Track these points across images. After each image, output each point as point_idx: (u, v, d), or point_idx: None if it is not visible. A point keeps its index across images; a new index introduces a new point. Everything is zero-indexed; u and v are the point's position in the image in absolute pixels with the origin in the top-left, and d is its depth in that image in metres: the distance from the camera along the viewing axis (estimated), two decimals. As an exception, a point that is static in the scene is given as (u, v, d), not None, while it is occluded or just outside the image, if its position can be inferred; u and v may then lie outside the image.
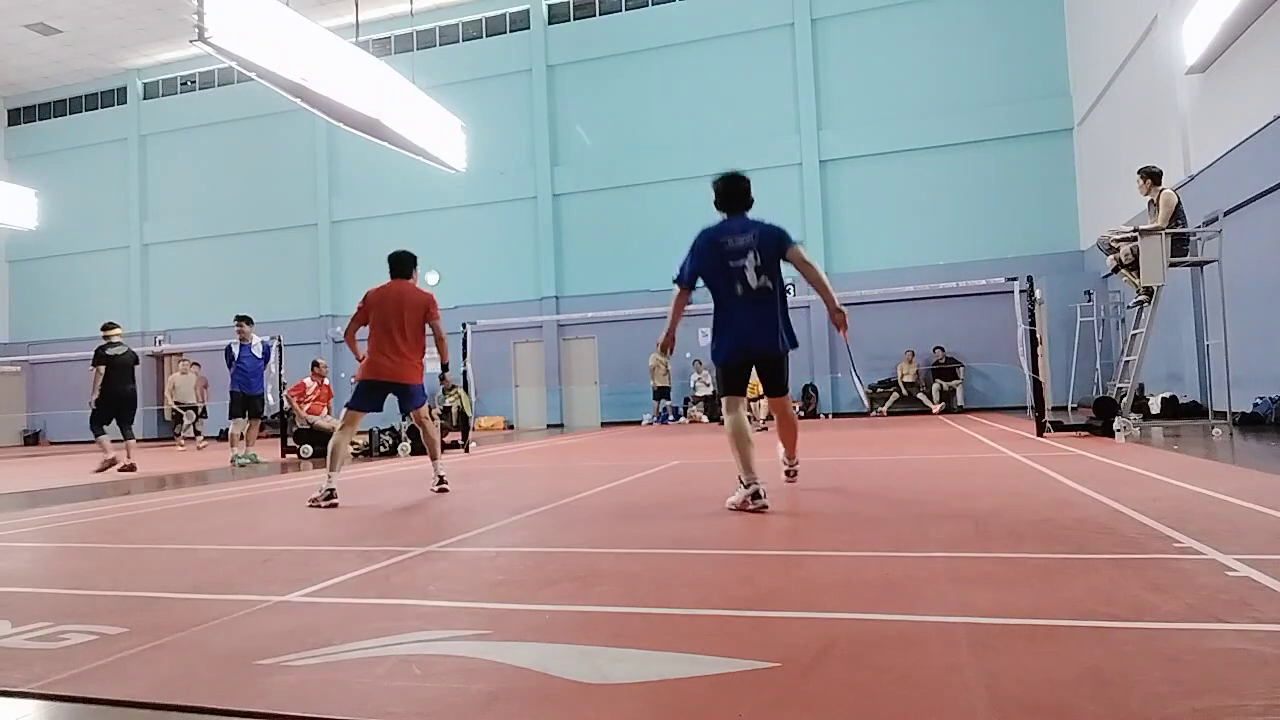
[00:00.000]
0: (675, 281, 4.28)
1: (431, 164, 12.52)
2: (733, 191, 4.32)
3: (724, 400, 4.35)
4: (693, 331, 17.25)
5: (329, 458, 5.13)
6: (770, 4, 17.73)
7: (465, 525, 3.87)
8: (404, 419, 8.23)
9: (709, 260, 4.19)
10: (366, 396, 5.35)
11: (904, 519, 3.49)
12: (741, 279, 4.14)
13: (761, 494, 3.94)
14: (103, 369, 9.19)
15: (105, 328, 9.56)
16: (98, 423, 9.20)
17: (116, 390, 9.25)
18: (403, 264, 5.50)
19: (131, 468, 8.92)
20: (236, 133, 21.60)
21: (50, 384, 22.70)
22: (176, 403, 15.57)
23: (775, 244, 4.20)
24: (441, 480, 5.42)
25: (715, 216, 4.39)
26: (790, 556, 2.85)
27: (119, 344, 9.46)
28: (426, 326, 5.47)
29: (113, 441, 9.22)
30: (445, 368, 5.80)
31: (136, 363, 9.67)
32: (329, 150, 20.64)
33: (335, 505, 4.88)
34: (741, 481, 4.01)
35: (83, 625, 2.22)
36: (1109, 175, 13.73)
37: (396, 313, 5.33)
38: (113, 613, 2.37)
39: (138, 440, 9.60)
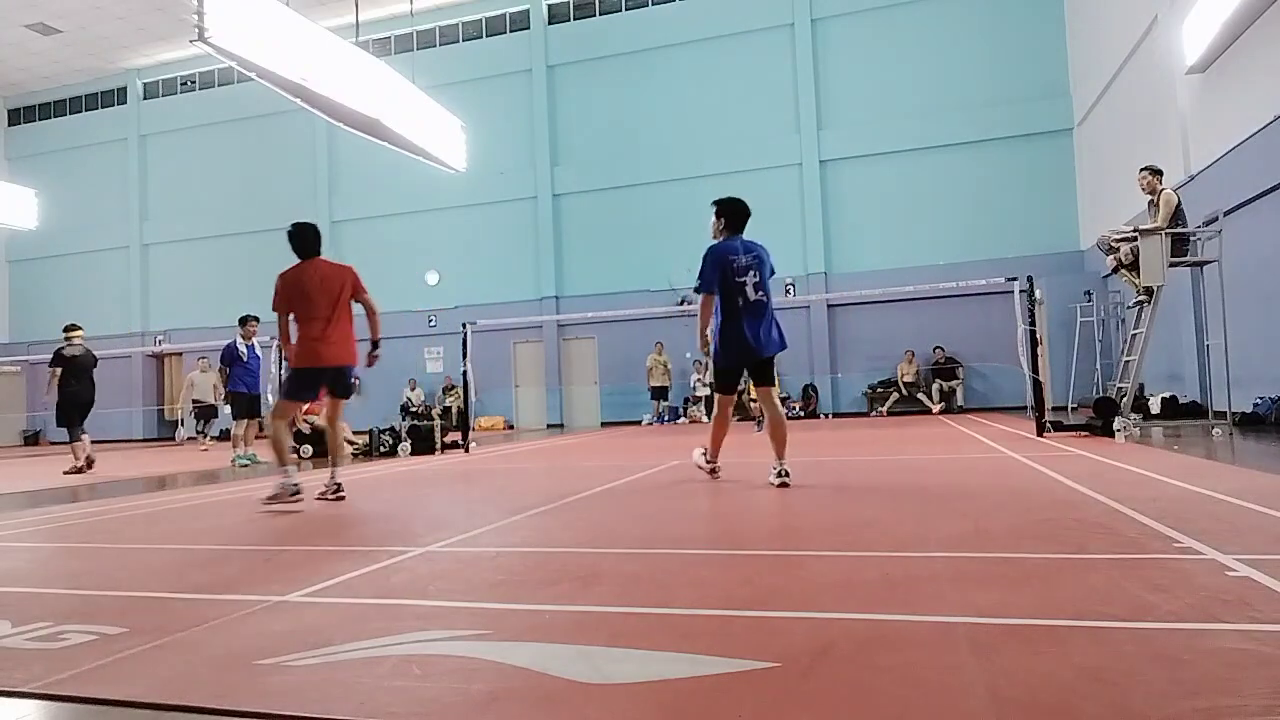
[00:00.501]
0: (698, 290, 4.99)
1: (431, 164, 12.52)
2: (739, 214, 5.08)
3: (718, 396, 5.34)
4: (692, 333, 17.27)
5: (275, 454, 4.90)
6: (770, 4, 17.74)
7: (465, 525, 3.87)
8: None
9: (721, 273, 4.89)
10: (307, 385, 5.07)
11: (904, 519, 3.49)
12: (743, 292, 4.89)
13: (719, 470, 5.38)
14: (59, 370, 9.26)
15: (67, 329, 9.61)
16: (69, 424, 9.25)
17: (73, 391, 9.31)
18: (308, 239, 5.08)
19: (90, 462, 9.04)
20: (236, 133, 21.61)
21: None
22: (194, 400, 14.74)
23: (769, 269, 5.06)
24: (338, 489, 5.01)
25: (711, 218, 5.12)
26: (790, 556, 2.85)
27: (77, 345, 9.49)
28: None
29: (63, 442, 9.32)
30: (375, 345, 5.21)
31: (95, 364, 9.67)
32: (329, 150, 20.65)
33: (299, 499, 4.70)
34: (706, 459, 5.42)
35: (83, 625, 2.22)
36: (1109, 175, 13.74)
37: (324, 293, 4.96)
38: (113, 613, 2.37)
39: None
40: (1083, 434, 7.74)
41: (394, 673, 1.72)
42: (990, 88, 16.43)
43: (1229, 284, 7.68)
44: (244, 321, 10.25)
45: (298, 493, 4.74)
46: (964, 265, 15.48)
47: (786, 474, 4.82)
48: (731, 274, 4.85)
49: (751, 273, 4.87)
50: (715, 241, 5.04)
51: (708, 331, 5.03)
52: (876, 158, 17.06)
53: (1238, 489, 3.77)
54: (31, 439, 23.04)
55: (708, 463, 5.41)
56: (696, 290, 4.99)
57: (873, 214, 17.05)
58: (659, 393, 17.25)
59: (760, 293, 4.89)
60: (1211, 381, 9.37)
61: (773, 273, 5.07)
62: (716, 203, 5.13)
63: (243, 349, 10.04)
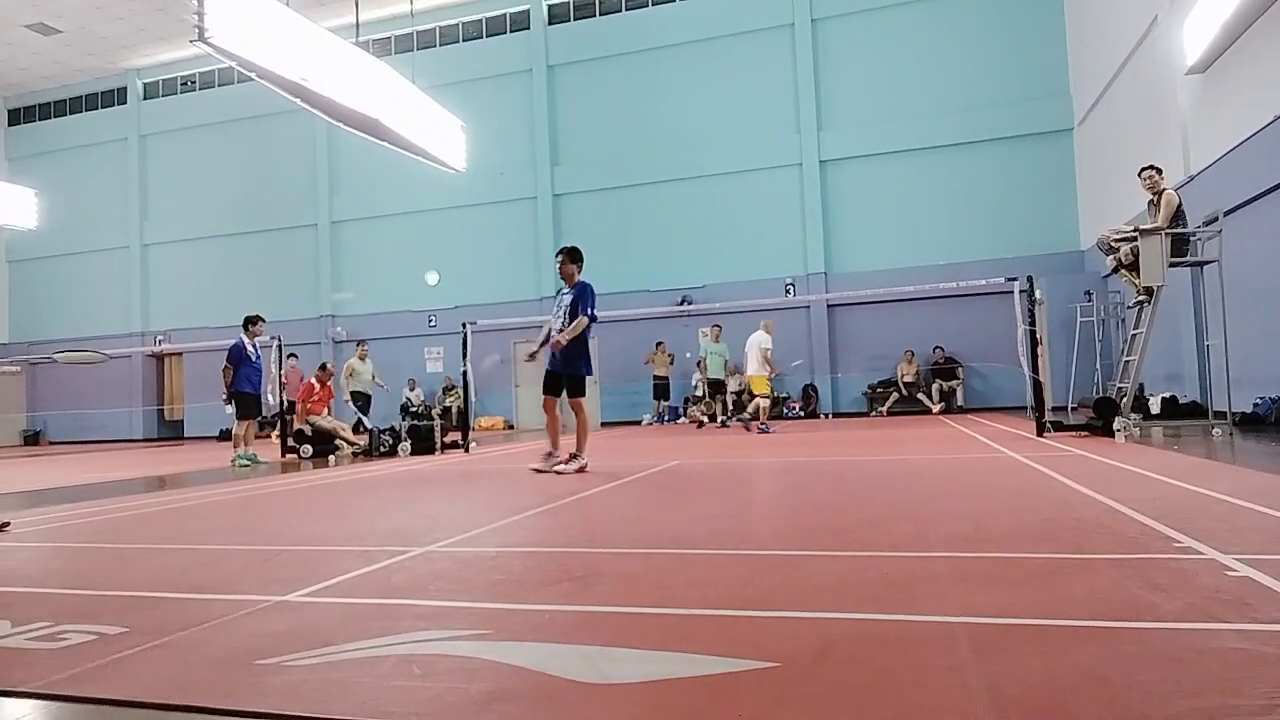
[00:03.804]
0: (593, 319, 6.72)
1: (431, 164, 12.52)
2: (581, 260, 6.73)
3: (583, 400, 7.00)
4: (692, 333, 17.28)
5: None
6: (770, 4, 17.73)
7: (465, 525, 3.87)
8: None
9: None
10: None
11: (904, 519, 3.49)
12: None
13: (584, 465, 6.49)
14: None
15: None
16: None
17: None
18: None
19: None
20: (236, 133, 21.60)
21: (50, 384, 22.70)
22: (354, 392, 12.91)
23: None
24: None
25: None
26: (790, 556, 2.84)
27: None
28: None
29: None
30: None
31: None
32: (329, 150, 20.64)
33: None
34: (578, 455, 6.63)
35: (83, 625, 2.22)
36: (1109, 175, 13.73)
37: None
38: (113, 613, 2.37)
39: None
40: (1083, 434, 7.74)
41: (394, 673, 1.72)
42: (990, 88, 16.42)
43: (1229, 284, 7.67)
44: (250, 321, 10.23)
45: None
46: (964, 265, 15.45)
47: (565, 463, 6.51)
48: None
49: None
50: (584, 280, 6.63)
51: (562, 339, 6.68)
52: (876, 158, 17.06)
53: (1238, 489, 3.77)
54: (31, 439, 23.05)
55: (579, 457, 6.56)
56: (591, 319, 6.62)
57: (873, 214, 17.04)
58: (660, 390, 17.19)
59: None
60: (1211, 381, 9.36)
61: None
62: (574, 250, 6.70)
63: (250, 349, 10.04)
